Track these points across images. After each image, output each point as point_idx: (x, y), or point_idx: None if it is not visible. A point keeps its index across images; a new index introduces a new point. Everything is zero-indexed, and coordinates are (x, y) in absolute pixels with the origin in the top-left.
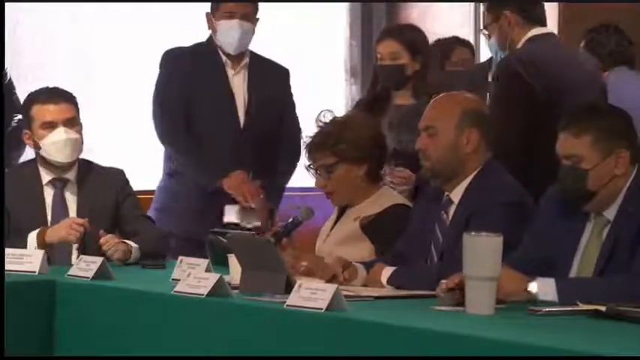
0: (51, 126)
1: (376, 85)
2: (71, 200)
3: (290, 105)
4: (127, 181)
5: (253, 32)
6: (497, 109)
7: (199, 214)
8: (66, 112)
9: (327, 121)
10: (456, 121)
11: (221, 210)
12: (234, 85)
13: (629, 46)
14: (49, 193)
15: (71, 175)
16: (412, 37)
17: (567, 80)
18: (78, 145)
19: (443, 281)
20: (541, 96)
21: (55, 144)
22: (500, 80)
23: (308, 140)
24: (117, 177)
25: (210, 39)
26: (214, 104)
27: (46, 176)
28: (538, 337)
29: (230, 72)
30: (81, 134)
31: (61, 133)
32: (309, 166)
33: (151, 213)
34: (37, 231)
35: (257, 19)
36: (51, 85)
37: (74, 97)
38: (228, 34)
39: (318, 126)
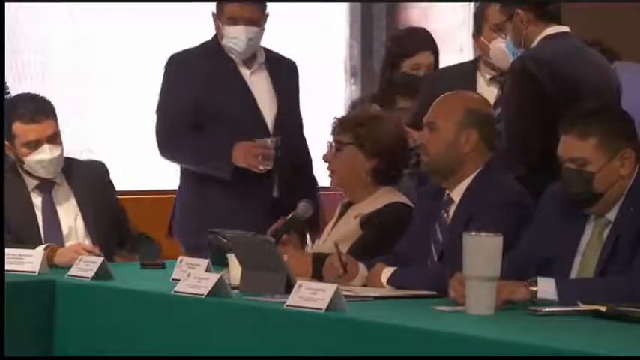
0: (35, 144)
1: (384, 89)
2: (63, 203)
3: (297, 101)
4: (108, 172)
5: (261, 34)
6: (510, 110)
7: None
8: (49, 129)
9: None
10: (457, 120)
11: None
12: (252, 86)
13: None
14: (36, 199)
15: (57, 178)
16: (436, 47)
17: (583, 80)
18: (62, 158)
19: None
20: (556, 97)
21: (40, 163)
22: (514, 80)
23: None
24: (100, 171)
25: (216, 37)
26: (232, 109)
27: (31, 182)
28: (538, 337)
29: (244, 71)
30: (62, 144)
31: (46, 152)
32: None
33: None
34: (43, 246)
35: (266, 16)
36: (50, 84)
37: (53, 108)
38: (234, 41)
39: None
